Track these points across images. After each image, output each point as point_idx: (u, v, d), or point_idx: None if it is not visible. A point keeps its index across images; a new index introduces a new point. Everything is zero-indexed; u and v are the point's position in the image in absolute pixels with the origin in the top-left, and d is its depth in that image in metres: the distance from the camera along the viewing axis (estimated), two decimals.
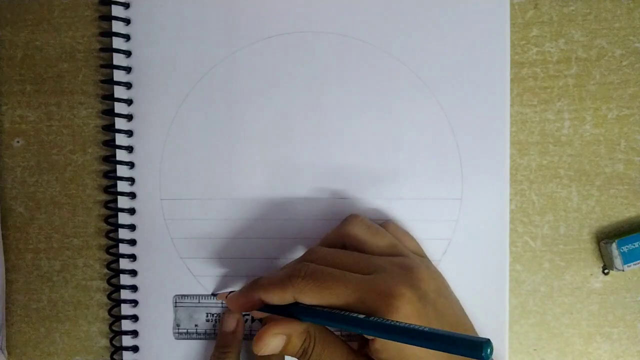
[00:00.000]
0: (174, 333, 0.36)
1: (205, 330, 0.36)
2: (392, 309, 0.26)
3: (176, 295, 0.36)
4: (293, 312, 0.28)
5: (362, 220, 0.32)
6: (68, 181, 0.38)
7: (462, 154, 0.35)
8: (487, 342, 0.22)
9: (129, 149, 0.36)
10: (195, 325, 0.36)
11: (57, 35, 0.37)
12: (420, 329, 0.24)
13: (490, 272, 0.34)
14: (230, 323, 0.35)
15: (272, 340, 0.28)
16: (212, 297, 0.36)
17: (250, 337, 0.36)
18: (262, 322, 0.34)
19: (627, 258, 0.33)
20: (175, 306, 0.36)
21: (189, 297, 0.36)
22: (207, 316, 0.36)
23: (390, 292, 0.26)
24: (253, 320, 0.36)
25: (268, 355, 0.32)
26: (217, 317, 0.36)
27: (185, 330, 0.36)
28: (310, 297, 0.27)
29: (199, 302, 0.36)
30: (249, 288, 0.30)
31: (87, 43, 0.37)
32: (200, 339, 0.36)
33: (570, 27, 0.35)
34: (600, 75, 0.35)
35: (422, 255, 0.33)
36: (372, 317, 0.26)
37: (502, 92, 0.34)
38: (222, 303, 0.36)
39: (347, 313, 0.26)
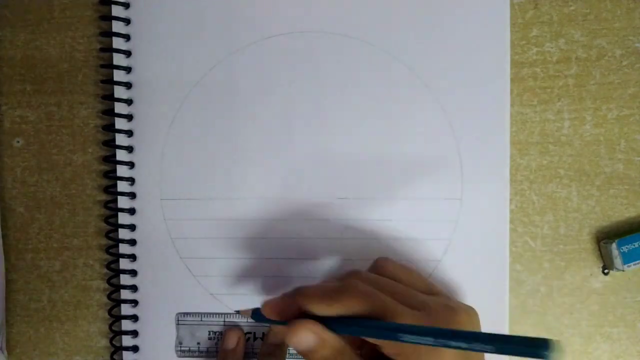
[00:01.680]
0: (177, 351, 0.36)
1: (208, 348, 0.36)
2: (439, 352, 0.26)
3: (178, 313, 0.36)
4: (327, 322, 0.27)
5: (394, 261, 0.32)
6: (68, 181, 0.38)
7: (462, 154, 0.35)
8: (549, 341, 0.22)
9: (129, 149, 0.36)
10: (198, 343, 0.36)
11: (57, 35, 0.37)
12: (479, 333, 0.25)
13: (490, 272, 0.34)
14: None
15: (308, 336, 0.27)
16: (215, 315, 0.36)
17: (252, 355, 0.36)
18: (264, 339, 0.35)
19: (627, 258, 0.33)
20: (178, 324, 0.36)
21: (191, 315, 0.36)
22: (209, 334, 0.36)
23: None
24: (255, 338, 0.36)
25: (272, 350, 0.31)
26: (220, 335, 0.36)
27: (187, 348, 0.36)
28: (356, 308, 0.27)
29: (201, 320, 0.36)
30: (291, 296, 0.29)
31: (87, 43, 0.37)
32: (202, 357, 0.36)
33: (570, 27, 0.35)
34: (600, 75, 0.35)
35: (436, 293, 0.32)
36: (426, 326, 0.26)
37: (502, 92, 0.34)
38: (224, 322, 0.36)
39: (392, 323, 0.26)
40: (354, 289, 0.28)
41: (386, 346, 0.27)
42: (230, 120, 0.36)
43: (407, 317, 0.27)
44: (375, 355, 0.28)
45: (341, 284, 0.28)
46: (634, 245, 0.34)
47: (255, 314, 0.31)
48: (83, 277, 0.38)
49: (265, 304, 0.30)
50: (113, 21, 0.36)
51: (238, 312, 0.35)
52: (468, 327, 0.28)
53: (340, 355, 0.27)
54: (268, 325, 0.35)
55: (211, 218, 0.36)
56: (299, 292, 0.28)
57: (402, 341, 0.25)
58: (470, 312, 0.30)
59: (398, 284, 0.30)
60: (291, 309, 0.28)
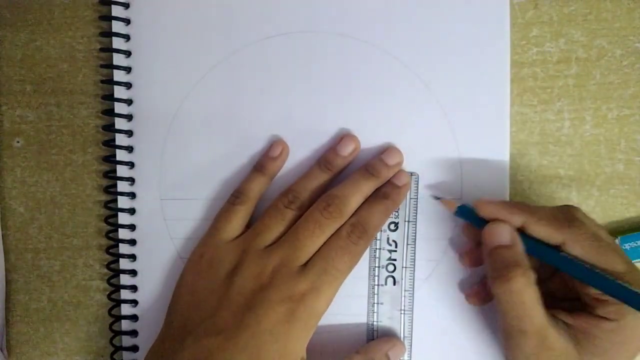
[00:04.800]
0: None
1: None
2: None
3: None
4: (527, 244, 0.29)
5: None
6: (68, 181, 0.38)
7: (462, 154, 0.35)
8: None
9: (129, 149, 0.36)
10: None
11: (57, 35, 0.37)
12: None
13: None
14: (276, 149, 0.35)
15: (506, 232, 0.29)
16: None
17: None
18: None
19: (629, 255, 0.33)
20: None
21: None
22: None
23: None
24: None
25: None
26: None
27: None
28: (582, 249, 0.28)
29: None
30: (513, 206, 0.30)
31: (87, 43, 0.37)
32: None
33: (570, 27, 0.35)
34: (600, 75, 0.35)
35: None
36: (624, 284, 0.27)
37: (502, 92, 0.34)
38: None
39: (599, 272, 0.28)
40: (581, 224, 0.29)
41: (599, 304, 0.28)
42: (230, 120, 0.36)
43: (627, 263, 0.28)
44: (562, 296, 0.31)
45: (563, 214, 0.30)
46: (637, 243, 0.34)
47: (462, 210, 0.32)
48: (83, 277, 0.38)
49: (481, 201, 0.31)
50: (113, 21, 0.36)
51: (437, 198, 0.34)
52: None
53: (520, 265, 0.29)
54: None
55: (211, 218, 0.35)
56: (521, 206, 0.30)
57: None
58: None
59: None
60: (511, 218, 0.30)
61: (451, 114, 0.34)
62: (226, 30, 0.36)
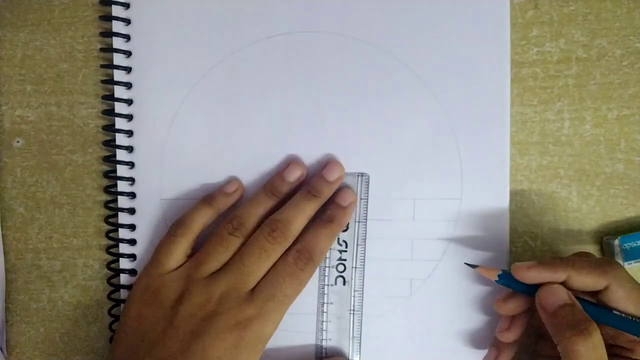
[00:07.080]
0: None
1: None
2: None
3: None
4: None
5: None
6: (68, 181, 0.38)
7: (462, 154, 0.35)
8: None
9: (129, 149, 0.36)
10: None
11: (57, 35, 0.37)
12: None
13: None
14: (231, 187, 0.35)
15: (563, 293, 0.29)
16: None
17: None
18: None
19: (629, 256, 0.33)
20: None
21: None
22: None
23: None
24: None
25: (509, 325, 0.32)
26: None
27: None
28: (625, 291, 0.29)
29: None
30: (553, 264, 0.30)
31: (87, 43, 0.37)
32: None
33: (570, 27, 0.35)
34: (600, 75, 0.35)
35: None
36: None
37: (502, 92, 0.34)
38: None
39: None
40: (618, 264, 0.30)
41: None
42: (230, 120, 0.36)
43: None
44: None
45: (602, 259, 0.30)
46: (637, 243, 0.33)
47: (505, 277, 0.31)
48: (83, 277, 0.38)
49: (519, 267, 0.31)
50: (113, 21, 0.36)
51: (473, 266, 0.33)
52: None
53: (591, 320, 0.28)
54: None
55: None
56: (561, 261, 0.30)
57: None
58: None
59: None
60: (555, 275, 0.30)
61: (451, 114, 0.35)
62: (226, 30, 0.36)
